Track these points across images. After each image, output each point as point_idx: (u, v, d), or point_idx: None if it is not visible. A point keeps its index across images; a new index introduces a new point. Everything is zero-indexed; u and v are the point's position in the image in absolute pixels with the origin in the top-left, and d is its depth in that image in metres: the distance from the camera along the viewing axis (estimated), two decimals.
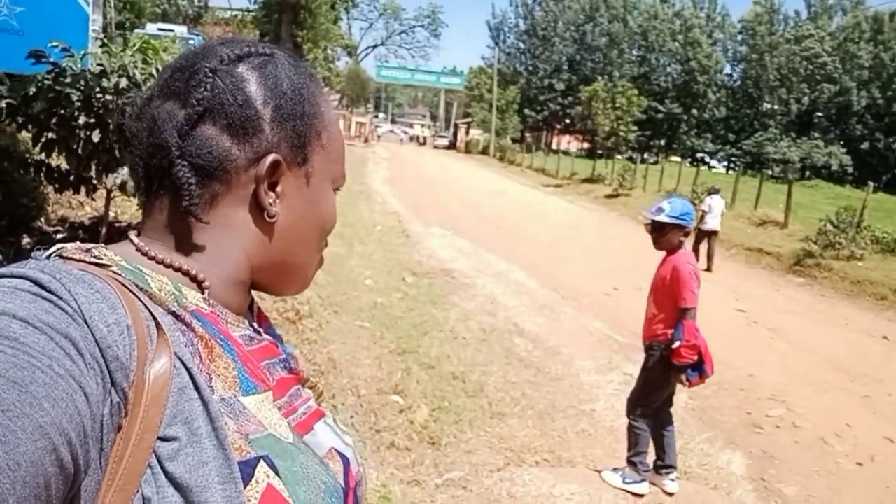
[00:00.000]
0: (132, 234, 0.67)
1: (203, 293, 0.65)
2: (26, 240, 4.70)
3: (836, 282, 11.19)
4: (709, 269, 11.03)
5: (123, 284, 0.57)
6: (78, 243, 0.61)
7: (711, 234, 11.43)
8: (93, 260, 0.59)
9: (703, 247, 11.37)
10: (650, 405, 3.73)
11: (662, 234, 3.61)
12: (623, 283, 9.31)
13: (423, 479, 3.64)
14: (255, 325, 0.73)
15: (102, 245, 0.62)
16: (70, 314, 0.50)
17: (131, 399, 0.52)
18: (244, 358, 0.64)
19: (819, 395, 5.78)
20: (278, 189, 0.68)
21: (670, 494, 3.71)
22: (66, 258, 0.58)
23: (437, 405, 4.61)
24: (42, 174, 4.36)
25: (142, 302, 0.57)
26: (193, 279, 0.65)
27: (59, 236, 4.98)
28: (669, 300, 3.59)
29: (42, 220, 5.09)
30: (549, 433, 4.47)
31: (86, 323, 0.51)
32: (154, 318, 0.57)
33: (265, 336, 0.73)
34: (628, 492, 3.68)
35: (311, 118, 0.70)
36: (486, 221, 14.39)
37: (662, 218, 3.57)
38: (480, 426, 4.42)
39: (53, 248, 0.59)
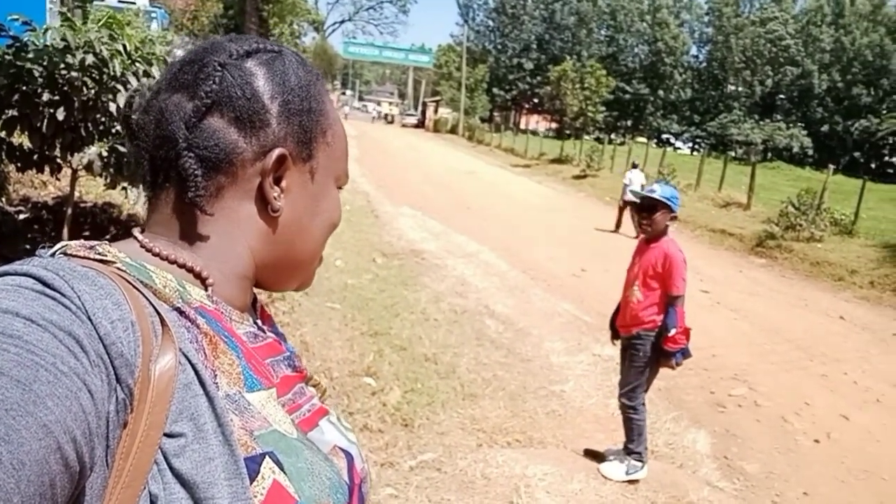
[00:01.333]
0: (136, 231, 0.67)
1: (206, 290, 0.65)
2: None
3: (796, 263, 11.49)
4: (616, 229, 12.95)
5: (127, 281, 0.57)
6: (82, 240, 0.61)
7: (632, 206, 12.49)
8: (97, 257, 0.59)
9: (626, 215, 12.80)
10: (644, 392, 3.74)
11: (652, 212, 3.59)
12: (590, 265, 9.44)
13: (397, 460, 3.67)
14: (258, 322, 0.74)
15: (106, 242, 0.62)
16: (74, 311, 0.50)
17: (136, 395, 0.52)
18: (248, 355, 0.64)
19: (779, 375, 5.96)
20: (283, 184, 0.68)
21: None
22: (70, 255, 0.58)
23: (409, 387, 4.63)
24: (3, 152, 4.21)
25: (146, 298, 0.57)
26: (197, 276, 0.65)
27: (22, 216, 4.85)
28: (660, 287, 3.59)
29: (3, 199, 4.94)
30: (521, 414, 4.54)
31: (90, 320, 0.51)
32: (158, 314, 0.57)
33: (269, 334, 0.73)
34: (606, 477, 3.73)
35: (317, 115, 0.71)
36: (455, 202, 14.40)
37: (655, 196, 3.57)
38: (453, 407, 4.46)
39: (58, 246, 0.59)
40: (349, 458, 0.69)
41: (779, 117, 49.94)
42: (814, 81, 48.49)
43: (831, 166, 14.73)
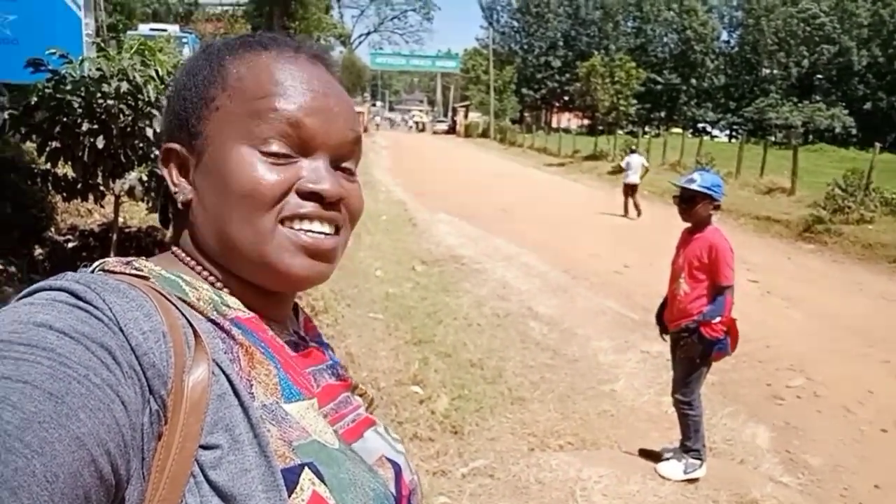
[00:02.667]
0: (175, 246, 0.69)
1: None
2: (38, 251, 4.69)
3: (847, 246, 11.12)
4: (639, 214, 13.51)
5: (161, 293, 0.58)
6: (119, 257, 0.63)
7: (633, 188, 13.66)
8: (132, 271, 0.60)
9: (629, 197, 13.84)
10: (698, 387, 3.62)
11: (692, 204, 3.50)
12: (633, 261, 9.27)
13: (449, 468, 3.64)
14: (299, 331, 0.73)
15: (143, 258, 0.64)
16: (106, 323, 0.51)
17: (170, 407, 0.52)
18: (286, 365, 0.64)
19: (838, 363, 5.75)
20: (191, 175, 0.67)
21: None
22: (108, 271, 0.60)
23: (456, 394, 4.60)
24: (49, 183, 4.34)
25: (179, 310, 0.58)
26: (217, 281, 0.66)
27: (70, 245, 4.98)
28: (708, 278, 3.49)
29: (52, 229, 5.08)
30: (571, 416, 4.46)
31: (121, 331, 0.51)
32: (191, 325, 0.57)
33: (311, 343, 0.73)
34: (664, 477, 3.63)
35: (198, 89, 0.66)
36: (491, 205, 14.34)
37: (694, 187, 3.47)
38: (502, 412, 4.41)
39: (96, 263, 0.61)
40: (396, 468, 0.68)
41: (818, 98, 48.58)
42: (853, 58, 47.04)
43: (877, 144, 14.21)
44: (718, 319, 3.41)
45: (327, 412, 0.65)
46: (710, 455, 3.88)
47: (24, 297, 0.54)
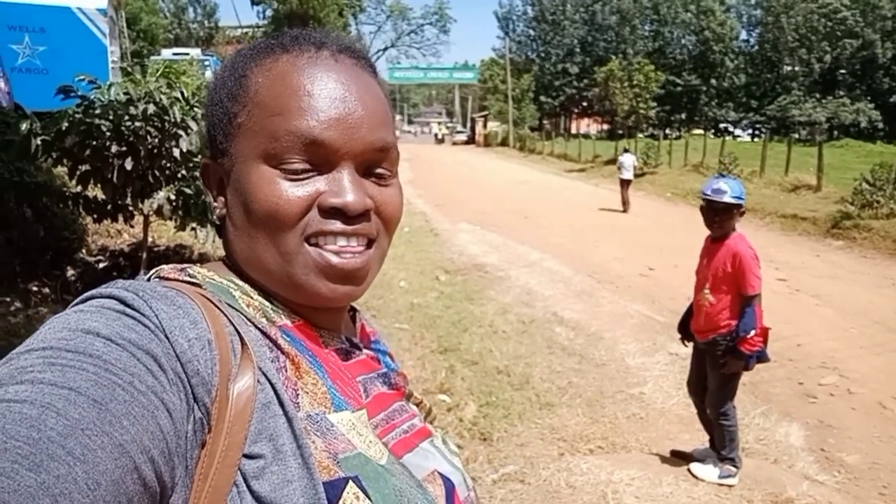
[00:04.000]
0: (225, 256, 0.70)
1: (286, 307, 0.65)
2: (70, 272, 4.81)
3: (876, 241, 10.92)
4: (626, 209, 14.78)
5: (211, 300, 0.58)
6: (174, 264, 0.63)
7: (627, 183, 14.96)
8: (186, 279, 0.60)
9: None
10: (733, 398, 3.58)
11: (726, 216, 3.41)
12: (658, 263, 9.21)
13: (479, 475, 3.64)
14: (353, 338, 0.72)
15: (198, 265, 0.64)
16: (152, 330, 0.51)
17: (214, 415, 0.52)
18: (334, 374, 0.63)
19: (872, 359, 5.65)
20: (226, 191, 0.66)
21: None
22: (163, 278, 0.60)
23: (484, 401, 4.60)
24: (80, 206, 4.46)
25: (228, 318, 0.57)
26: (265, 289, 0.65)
27: (101, 265, 5.09)
28: (732, 288, 3.42)
29: (83, 251, 5.21)
30: (600, 420, 4.44)
31: (167, 338, 0.51)
32: (239, 333, 0.57)
33: (364, 351, 0.71)
34: (697, 478, 3.60)
35: (223, 105, 0.65)
36: (512, 213, 14.34)
37: (727, 199, 3.38)
38: (530, 418, 4.41)
39: (153, 271, 0.62)
40: (449, 485, 0.66)
41: (842, 93, 47.72)
42: (877, 51, 46.19)
43: None
44: (754, 333, 3.35)
45: (377, 423, 0.64)
46: (744, 455, 3.84)
47: (77, 304, 0.54)
